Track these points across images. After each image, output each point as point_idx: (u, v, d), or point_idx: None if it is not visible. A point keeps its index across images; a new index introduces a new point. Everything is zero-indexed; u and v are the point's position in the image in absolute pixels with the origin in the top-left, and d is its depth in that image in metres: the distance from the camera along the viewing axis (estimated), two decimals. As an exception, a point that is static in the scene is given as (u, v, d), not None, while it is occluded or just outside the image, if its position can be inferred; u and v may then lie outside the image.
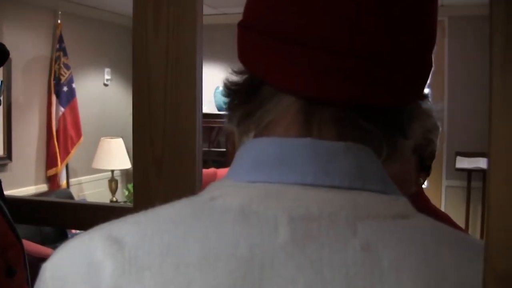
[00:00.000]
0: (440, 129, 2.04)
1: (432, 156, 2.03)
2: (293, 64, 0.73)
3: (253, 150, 0.76)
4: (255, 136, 0.80)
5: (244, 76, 0.81)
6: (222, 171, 8.00)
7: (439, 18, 0.80)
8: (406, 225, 0.71)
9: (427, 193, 2.19)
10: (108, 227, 0.74)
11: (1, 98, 1.72)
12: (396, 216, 0.71)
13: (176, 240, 0.69)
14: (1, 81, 1.76)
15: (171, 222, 0.72)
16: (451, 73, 7.89)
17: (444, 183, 8.08)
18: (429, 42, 0.78)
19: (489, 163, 0.51)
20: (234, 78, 0.82)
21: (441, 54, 7.74)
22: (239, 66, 0.82)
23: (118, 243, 0.70)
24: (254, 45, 0.78)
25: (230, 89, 0.82)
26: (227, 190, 0.74)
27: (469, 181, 7.70)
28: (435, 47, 0.80)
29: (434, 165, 2.09)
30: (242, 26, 0.83)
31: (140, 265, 0.67)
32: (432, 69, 0.80)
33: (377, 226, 0.68)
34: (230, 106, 0.83)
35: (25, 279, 1.79)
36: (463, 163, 7.65)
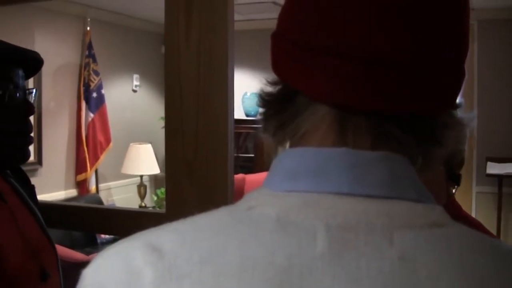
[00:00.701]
0: (468, 135, 2.02)
1: (461, 164, 2.02)
2: (327, 74, 0.73)
3: (289, 159, 0.77)
4: (291, 145, 0.81)
5: (278, 87, 0.82)
6: (250, 177, 8.02)
7: (468, 22, 0.80)
8: (442, 234, 0.70)
9: (457, 200, 2.17)
10: (147, 235, 0.75)
11: (35, 105, 1.74)
12: (432, 225, 0.70)
13: (215, 248, 0.69)
14: (36, 90, 1.78)
15: (209, 230, 0.72)
16: (481, 78, 7.83)
17: (475, 189, 8.00)
18: (462, 51, 0.78)
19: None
20: (269, 88, 0.83)
21: (471, 58, 7.67)
22: (273, 76, 0.83)
23: (158, 251, 0.70)
24: (288, 56, 0.79)
25: (265, 100, 0.83)
26: (264, 200, 0.74)
27: (500, 187, 7.60)
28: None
29: (465, 171, 2.07)
30: (276, 37, 0.83)
31: (180, 273, 0.68)
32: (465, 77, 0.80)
33: (413, 236, 0.68)
34: (265, 116, 0.84)
35: (59, 283, 1.80)
36: (493, 168, 7.58)
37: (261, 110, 0.84)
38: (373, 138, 0.74)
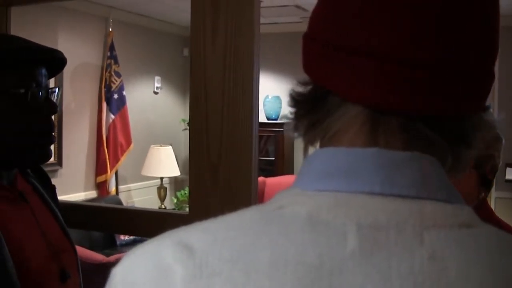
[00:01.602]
0: (504, 141, 2.02)
1: (494, 170, 2.02)
2: (360, 75, 0.74)
3: (320, 159, 0.77)
4: (321, 145, 0.81)
5: (309, 87, 0.82)
6: (271, 180, 8.04)
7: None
8: (472, 234, 0.71)
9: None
10: (177, 234, 0.75)
11: (57, 104, 1.75)
12: (462, 225, 0.71)
13: (246, 246, 0.69)
14: (58, 88, 1.79)
15: (240, 229, 0.73)
16: (501, 84, 7.83)
17: (494, 194, 8.02)
18: (493, 53, 0.78)
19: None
20: (299, 88, 0.83)
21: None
22: (303, 77, 0.83)
23: (189, 249, 0.70)
24: (320, 57, 0.79)
25: (296, 100, 0.84)
26: (295, 199, 0.74)
27: (519, 193, 7.65)
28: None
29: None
30: (307, 38, 0.83)
31: (211, 271, 0.68)
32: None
33: (443, 235, 0.69)
34: (296, 116, 0.84)
35: (78, 284, 1.80)
36: (513, 174, 7.60)
37: (291, 109, 0.84)
38: (404, 138, 0.75)
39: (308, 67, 0.83)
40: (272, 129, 8.81)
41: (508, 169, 7.64)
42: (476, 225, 0.72)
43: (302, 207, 0.72)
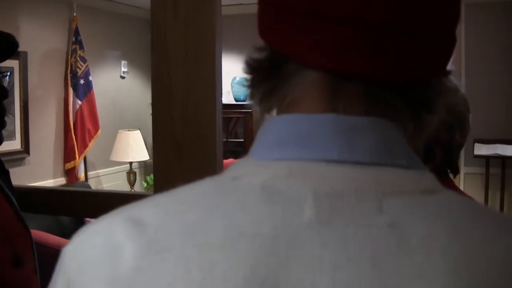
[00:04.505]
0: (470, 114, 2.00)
1: (465, 133, 1.97)
2: (319, 39, 0.71)
3: (276, 127, 0.75)
4: (278, 113, 0.79)
5: (265, 53, 0.79)
6: (240, 162, 8.02)
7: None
8: (434, 201, 0.69)
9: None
10: (128, 210, 0.73)
11: (7, 88, 1.73)
12: (424, 192, 0.69)
13: (198, 220, 0.67)
14: (9, 73, 1.77)
15: (192, 202, 0.71)
16: (468, 60, 7.88)
17: (463, 170, 8.08)
18: (454, 17, 0.77)
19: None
20: (256, 55, 0.80)
21: (458, 41, 7.72)
22: (259, 42, 0.80)
23: (139, 225, 0.69)
24: (277, 21, 0.76)
25: (251, 66, 0.81)
26: (250, 169, 0.72)
27: (487, 168, 7.77)
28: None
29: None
30: (264, 1, 0.80)
31: (162, 246, 0.66)
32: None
33: (404, 202, 0.67)
34: (252, 83, 0.81)
35: (33, 268, 1.79)
36: (481, 150, 7.69)
37: (247, 76, 0.82)
38: (365, 104, 0.73)
39: (264, 32, 0.80)
40: (240, 110, 8.79)
41: (476, 145, 7.72)
42: (438, 191, 0.71)
43: (257, 177, 0.70)
